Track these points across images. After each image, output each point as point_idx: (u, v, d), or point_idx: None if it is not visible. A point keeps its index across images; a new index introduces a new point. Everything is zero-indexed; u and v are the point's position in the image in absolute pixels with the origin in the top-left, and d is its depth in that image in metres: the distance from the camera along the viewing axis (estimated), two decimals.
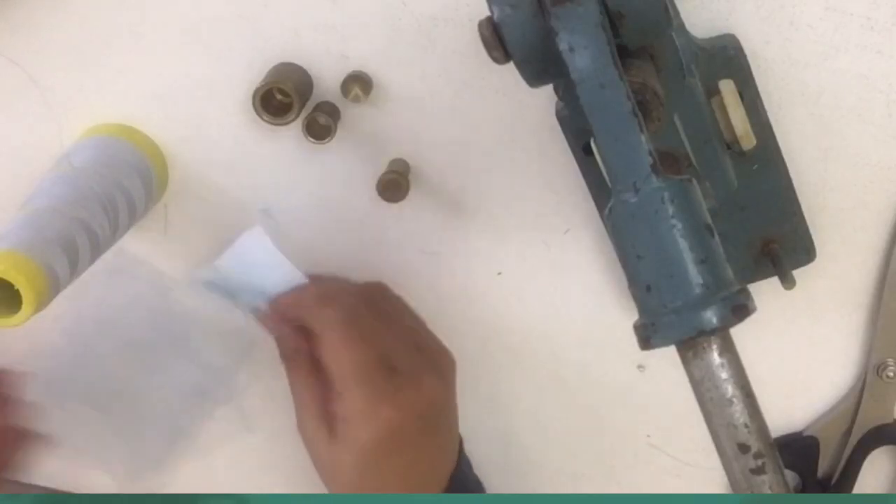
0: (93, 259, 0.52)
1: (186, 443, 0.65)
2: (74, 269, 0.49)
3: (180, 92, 0.57)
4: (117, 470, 0.65)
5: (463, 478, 0.56)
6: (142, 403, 0.64)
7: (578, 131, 0.55)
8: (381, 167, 0.57)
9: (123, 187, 0.54)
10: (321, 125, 0.55)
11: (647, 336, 0.39)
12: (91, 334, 0.62)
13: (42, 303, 0.46)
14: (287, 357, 0.55)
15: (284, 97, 0.54)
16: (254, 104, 0.54)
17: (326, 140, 0.55)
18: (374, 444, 0.51)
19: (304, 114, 0.55)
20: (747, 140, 0.53)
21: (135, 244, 0.60)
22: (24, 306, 0.45)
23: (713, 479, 0.65)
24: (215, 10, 0.55)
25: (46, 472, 0.66)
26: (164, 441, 0.65)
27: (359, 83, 0.55)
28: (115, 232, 0.54)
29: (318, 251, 0.61)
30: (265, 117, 0.54)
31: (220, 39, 0.56)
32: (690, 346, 0.38)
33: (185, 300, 0.62)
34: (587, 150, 0.55)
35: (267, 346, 0.63)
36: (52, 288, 0.47)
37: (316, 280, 0.55)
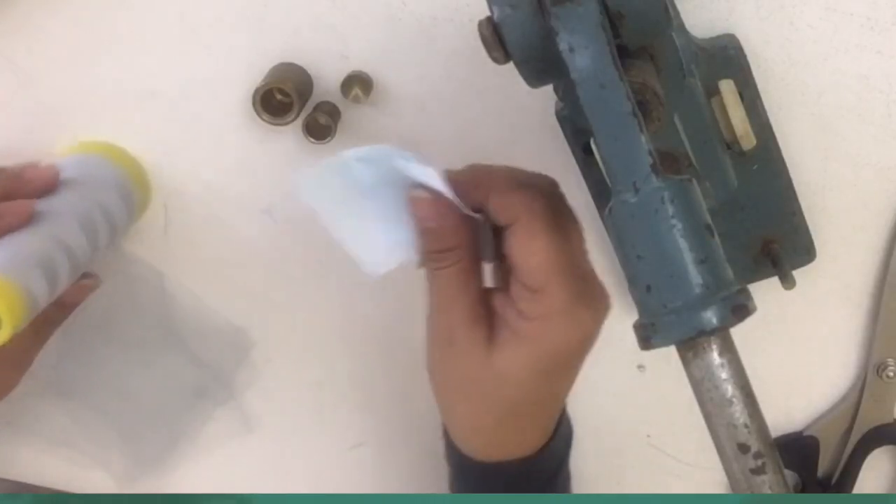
0: (71, 278, 0.52)
1: (186, 443, 0.65)
2: (53, 289, 0.50)
3: (180, 92, 0.57)
4: (117, 470, 0.66)
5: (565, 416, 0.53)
6: (142, 403, 0.64)
7: (578, 131, 0.55)
8: None
9: (103, 206, 0.54)
10: (321, 125, 0.55)
11: (647, 336, 0.39)
12: (90, 334, 0.62)
13: (20, 324, 0.46)
14: (440, 253, 0.46)
15: (284, 97, 0.54)
16: (254, 104, 0.54)
17: (326, 140, 0.55)
18: (567, 348, 0.45)
19: (304, 114, 0.55)
20: (747, 140, 0.53)
21: (135, 244, 0.60)
22: (1, 328, 0.45)
23: (713, 479, 0.65)
24: (216, 10, 0.55)
25: (46, 472, 0.66)
26: (164, 441, 0.65)
27: (359, 83, 0.55)
28: (95, 250, 0.54)
29: (318, 253, 0.61)
30: (265, 117, 0.54)
31: (220, 39, 0.56)
32: (690, 346, 0.38)
33: (185, 300, 0.62)
34: (587, 150, 0.55)
35: (267, 346, 0.63)
36: (29, 309, 0.47)
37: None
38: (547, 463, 0.51)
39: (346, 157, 0.46)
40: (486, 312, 0.47)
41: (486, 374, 0.46)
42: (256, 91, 0.54)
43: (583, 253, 0.48)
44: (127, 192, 0.57)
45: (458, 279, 0.46)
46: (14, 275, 0.46)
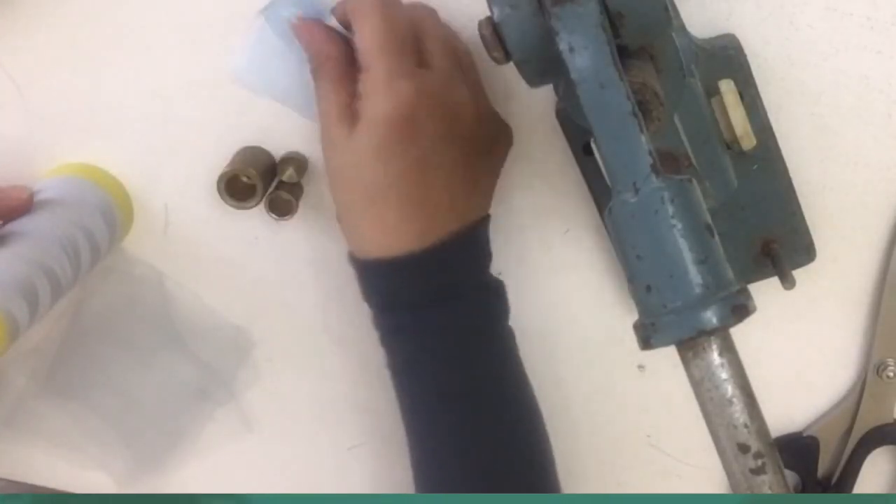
0: (53, 301, 0.52)
1: (186, 443, 0.65)
2: (35, 313, 0.50)
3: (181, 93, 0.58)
4: (117, 470, 0.66)
5: (477, 241, 0.54)
6: (142, 403, 0.64)
7: (578, 131, 0.55)
8: None
9: (86, 228, 0.54)
10: (283, 201, 0.57)
11: (647, 336, 0.39)
12: (90, 334, 0.62)
13: (1, 349, 0.47)
14: (318, 67, 0.52)
15: (249, 180, 0.56)
16: (219, 189, 0.56)
17: (288, 217, 0.57)
18: (391, 120, 0.48)
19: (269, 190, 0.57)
20: (747, 140, 0.53)
21: (135, 244, 0.60)
22: None
23: (713, 479, 0.65)
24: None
25: (46, 472, 0.66)
26: (164, 441, 0.65)
27: (293, 164, 0.57)
28: (77, 273, 0.54)
29: (318, 252, 0.61)
30: (230, 202, 0.56)
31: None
32: (690, 346, 0.38)
33: (185, 300, 0.62)
34: (587, 150, 0.55)
35: (267, 346, 0.63)
36: (10, 334, 0.48)
37: None
38: (447, 268, 0.51)
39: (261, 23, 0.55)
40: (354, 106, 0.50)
41: (348, 162, 0.50)
42: (221, 177, 0.56)
43: (439, 48, 0.51)
44: (110, 214, 0.57)
45: (334, 86, 0.51)
46: None
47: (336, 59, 0.51)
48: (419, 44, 0.51)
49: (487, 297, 0.54)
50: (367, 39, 0.49)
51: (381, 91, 0.48)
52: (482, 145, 0.53)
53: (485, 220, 0.54)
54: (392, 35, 0.49)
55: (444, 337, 0.52)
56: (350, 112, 0.50)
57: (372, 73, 0.49)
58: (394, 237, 0.50)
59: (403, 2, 0.52)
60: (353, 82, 0.50)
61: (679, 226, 0.38)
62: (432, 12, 0.54)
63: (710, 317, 0.37)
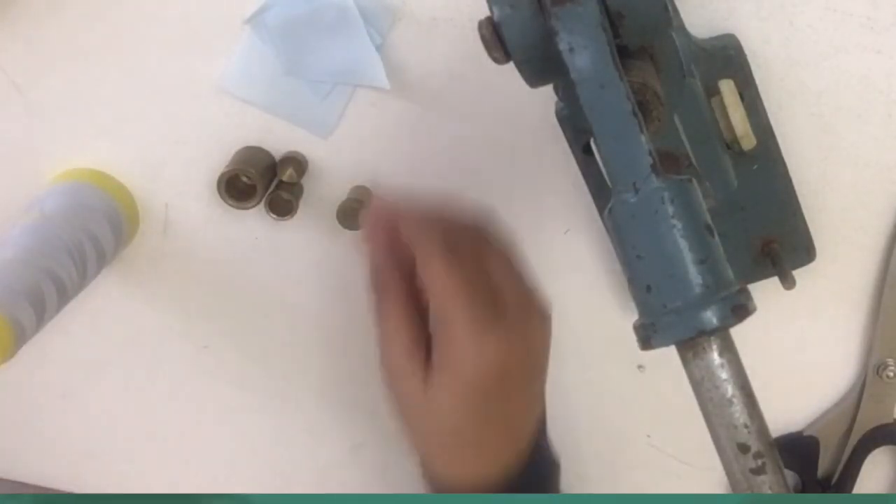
0: (60, 307, 0.53)
1: (186, 443, 0.65)
2: (41, 319, 0.51)
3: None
4: (118, 469, 0.65)
5: (544, 446, 0.51)
6: (141, 402, 0.64)
7: (578, 131, 0.55)
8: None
9: (92, 234, 0.55)
10: (283, 201, 0.57)
11: (647, 336, 0.39)
12: (91, 333, 0.62)
13: (7, 355, 0.47)
14: (378, 287, 0.48)
15: (249, 180, 0.56)
16: (219, 189, 0.56)
17: (288, 217, 0.57)
18: (477, 381, 0.45)
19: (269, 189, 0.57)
20: (747, 140, 0.53)
21: (135, 244, 0.60)
22: None
23: (713, 479, 0.65)
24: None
25: (46, 472, 0.66)
26: (164, 441, 0.65)
27: (293, 164, 0.57)
28: (84, 279, 0.55)
29: (319, 253, 0.61)
30: (229, 202, 0.56)
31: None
32: (690, 346, 0.38)
33: (185, 299, 0.62)
34: (587, 150, 0.55)
35: (267, 346, 0.63)
36: (17, 340, 0.48)
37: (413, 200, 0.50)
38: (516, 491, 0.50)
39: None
40: (427, 344, 0.47)
41: (421, 404, 0.47)
42: (221, 177, 0.56)
43: (507, 276, 0.48)
44: (116, 220, 0.57)
45: (399, 311, 0.47)
46: (2, 307, 0.47)
47: (401, 282, 0.48)
48: (492, 270, 0.48)
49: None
50: (442, 288, 0.45)
51: (465, 351, 0.45)
52: (547, 357, 0.50)
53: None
54: (471, 282, 0.46)
55: None
56: (420, 348, 0.47)
57: (452, 330, 0.45)
58: (482, 472, 0.48)
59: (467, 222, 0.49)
60: (418, 312, 0.48)
61: (679, 226, 0.38)
62: (490, 231, 0.49)
63: (710, 317, 0.37)
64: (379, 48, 0.54)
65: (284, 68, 0.55)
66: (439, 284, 0.45)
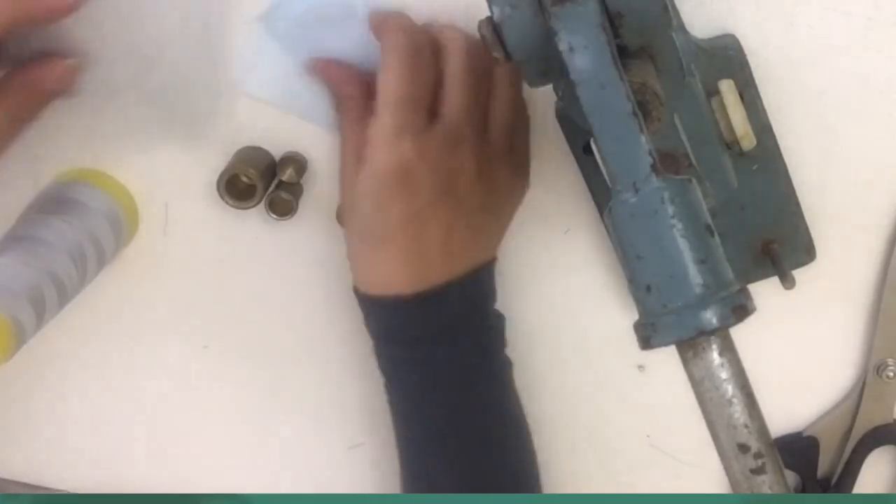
0: (60, 307, 0.53)
1: (186, 442, 0.65)
2: (41, 320, 0.51)
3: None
4: (118, 469, 0.66)
5: (477, 284, 0.54)
6: (140, 402, 0.64)
7: (578, 131, 0.55)
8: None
9: (93, 235, 0.55)
10: (283, 201, 0.57)
11: (647, 336, 0.39)
12: (91, 332, 0.62)
13: (7, 355, 0.48)
14: (340, 103, 0.54)
15: (249, 180, 0.56)
16: (218, 189, 0.56)
17: (288, 216, 0.57)
18: (385, 174, 0.49)
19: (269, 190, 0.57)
20: (747, 140, 0.53)
21: (135, 244, 0.60)
22: None
23: (713, 479, 0.65)
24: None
25: (46, 472, 0.66)
26: (164, 441, 0.65)
27: (293, 164, 0.57)
28: (83, 280, 0.55)
29: (318, 253, 0.61)
30: (229, 201, 0.56)
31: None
32: (690, 346, 0.38)
33: (185, 299, 0.61)
34: (587, 150, 0.55)
35: (267, 346, 0.63)
36: (17, 340, 0.48)
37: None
38: (433, 313, 0.53)
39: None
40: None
41: (349, 193, 0.52)
42: (221, 177, 0.56)
43: (457, 93, 0.51)
44: (116, 221, 0.57)
45: (354, 124, 0.53)
46: (3, 307, 0.48)
47: (356, 99, 0.53)
48: (438, 89, 0.51)
49: (482, 335, 0.55)
50: (385, 89, 0.50)
51: (383, 144, 0.49)
52: (486, 199, 0.53)
53: (487, 264, 0.55)
54: (410, 89, 0.50)
55: (438, 375, 0.54)
56: (361, 154, 0.51)
57: (379, 124, 0.50)
58: (390, 280, 0.52)
59: (449, 29, 0.53)
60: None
61: (679, 226, 0.38)
62: (465, 47, 0.52)
63: (710, 317, 0.37)
64: None
65: (298, 65, 0.55)
66: (381, 84, 0.50)
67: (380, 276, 0.53)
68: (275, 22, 0.55)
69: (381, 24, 0.52)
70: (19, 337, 0.48)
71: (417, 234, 0.51)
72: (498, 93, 0.53)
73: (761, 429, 0.38)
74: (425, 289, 0.52)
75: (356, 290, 0.55)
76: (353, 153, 0.52)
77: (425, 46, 0.51)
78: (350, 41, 0.55)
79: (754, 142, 0.53)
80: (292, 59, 0.55)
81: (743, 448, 0.38)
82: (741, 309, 0.38)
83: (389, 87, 0.50)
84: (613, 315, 0.61)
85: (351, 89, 0.54)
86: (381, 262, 0.52)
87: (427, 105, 0.51)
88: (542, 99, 0.56)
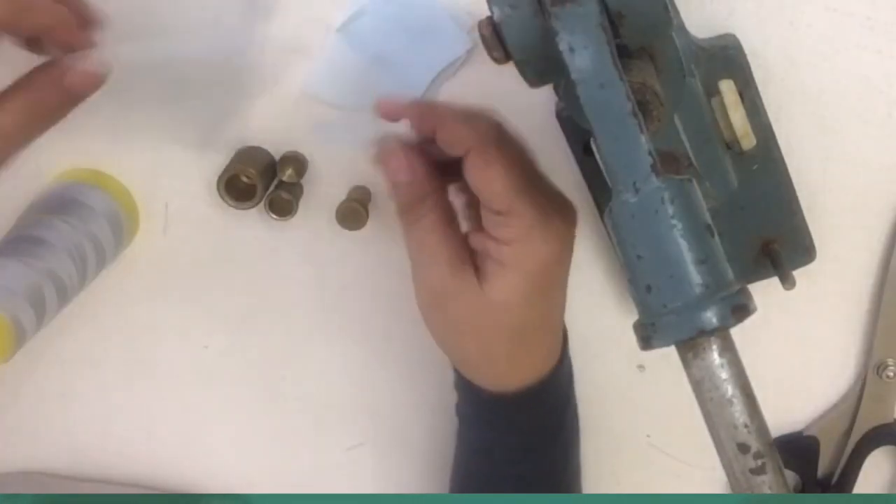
0: (60, 307, 0.53)
1: (187, 442, 0.65)
2: (41, 320, 0.51)
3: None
4: (118, 469, 0.66)
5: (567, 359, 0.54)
6: (140, 402, 0.64)
7: (578, 131, 0.55)
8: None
9: (93, 236, 0.55)
10: (283, 201, 0.57)
11: (647, 336, 0.39)
12: (92, 331, 0.62)
13: (7, 355, 0.48)
14: (411, 206, 0.48)
15: (249, 180, 0.56)
16: (218, 189, 0.56)
17: (288, 217, 0.57)
18: (549, 259, 0.46)
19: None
20: (747, 140, 0.53)
21: (135, 244, 0.60)
22: None
23: (713, 479, 0.65)
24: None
25: (46, 471, 0.66)
26: (164, 440, 0.65)
27: (293, 164, 0.57)
28: (84, 280, 0.55)
29: (317, 253, 0.61)
30: (229, 202, 0.56)
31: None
32: (690, 346, 0.38)
33: (185, 299, 0.61)
34: (587, 150, 0.55)
35: (267, 346, 0.63)
36: (17, 340, 0.48)
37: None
38: (559, 385, 0.53)
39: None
40: (468, 253, 0.48)
41: (484, 310, 0.47)
42: (221, 177, 0.56)
43: (537, 170, 0.49)
44: (116, 221, 0.57)
45: (437, 228, 0.48)
46: (4, 307, 0.48)
47: (439, 194, 0.48)
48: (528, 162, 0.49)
49: (564, 399, 0.55)
50: (502, 181, 0.45)
51: (539, 235, 0.46)
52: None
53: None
54: (524, 172, 0.46)
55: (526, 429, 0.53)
56: (467, 255, 0.48)
57: (519, 218, 0.46)
58: (535, 369, 0.51)
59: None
60: (454, 219, 0.49)
61: (679, 226, 0.38)
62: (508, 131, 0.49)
63: (710, 317, 0.37)
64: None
65: (376, 73, 0.55)
66: (494, 180, 0.45)
67: (524, 370, 0.50)
68: (352, 33, 0.55)
69: (431, 111, 0.48)
70: (19, 337, 0.48)
71: (559, 315, 0.51)
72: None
73: (761, 429, 0.38)
74: (554, 364, 0.52)
75: (482, 391, 0.51)
76: (454, 264, 0.47)
77: (503, 130, 0.48)
78: (430, 46, 0.55)
79: (754, 142, 0.53)
80: (371, 66, 0.55)
81: (743, 448, 0.38)
82: (741, 309, 0.38)
83: (507, 174, 0.45)
84: (613, 315, 0.61)
85: (430, 187, 0.47)
86: (529, 354, 0.50)
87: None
88: (542, 99, 0.56)
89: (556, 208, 0.48)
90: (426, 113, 0.48)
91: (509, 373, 0.50)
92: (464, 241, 0.49)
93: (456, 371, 0.53)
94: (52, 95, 0.44)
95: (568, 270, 0.50)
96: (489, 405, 0.51)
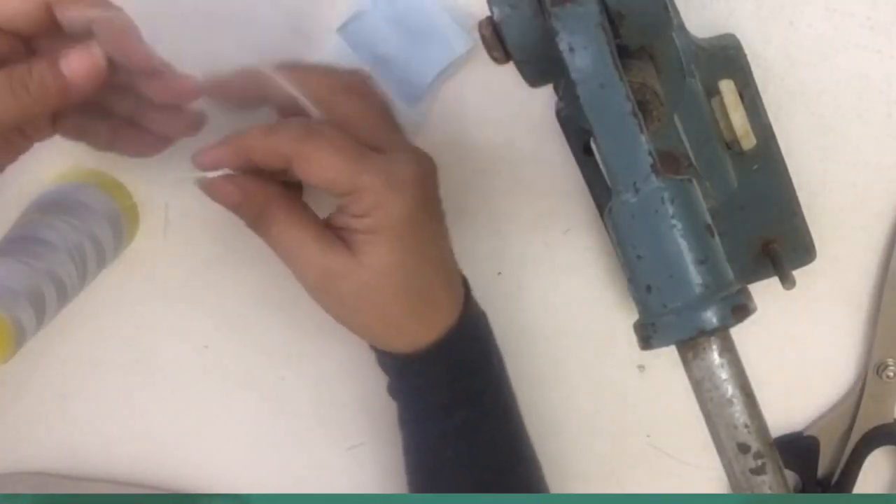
0: (60, 307, 0.53)
1: (187, 442, 0.65)
2: (41, 320, 0.51)
3: None
4: (118, 469, 0.66)
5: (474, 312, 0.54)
6: (140, 402, 0.64)
7: (578, 131, 0.55)
8: None
9: (93, 236, 0.55)
10: None
11: (647, 336, 0.39)
12: (91, 331, 0.62)
13: (7, 355, 0.48)
14: (258, 218, 0.50)
15: None
16: None
17: None
18: (408, 215, 0.48)
19: None
20: (747, 140, 0.53)
21: (135, 244, 0.60)
22: None
23: (713, 479, 0.65)
24: None
25: (46, 471, 0.66)
26: (164, 441, 0.65)
27: None
28: (84, 280, 0.55)
29: None
30: None
31: None
32: (690, 346, 0.38)
33: (185, 299, 0.61)
34: (587, 150, 0.55)
35: (266, 346, 0.63)
36: (17, 340, 0.48)
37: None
38: (471, 330, 0.53)
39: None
40: (333, 233, 0.49)
41: (367, 280, 0.49)
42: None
43: (380, 119, 0.50)
44: (116, 221, 0.57)
45: (292, 224, 0.49)
46: (4, 307, 0.48)
47: (281, 194, 0.50)
48: (354, 130, 0.49)
49: (484, 345, 0.55)
50: (328, 174, 0.47)
51: (391, 200, 0.47)
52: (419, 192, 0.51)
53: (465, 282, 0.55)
54: (339, 150, 0.47)
55: (470, 408, 0.54)
56: (333, 238, 0.49)
57: (362, 196, 0.47)
58: (441, 319, 0.51)
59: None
60: (307, 210, 0.50)
61: (679, 226, 0.38)
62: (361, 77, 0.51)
63: (710, 317, 0.37)
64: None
65: (376, 73, 0.55)
66: (330, 170, 0.47)
67: (430, 323, 0.51)
68: (353, 32, 0.55)
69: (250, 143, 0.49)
70: (19, 337, 0.48)
71: (445, 258, 0.51)
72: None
73: (761, 429, 0.38)
74: (458, 314, 0.52)
75: (396, 357, 0.52)
76: (321, 246, 0.49)
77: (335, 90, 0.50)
78: (431, 47, 0.55)
79: (754, 142, 0.53)
80: (371, 68, 0.55)
81: (743, 448, 0.38)
82: (741, 309, 0.38)
83: (334, 167, 0.47)
84: (613, 315, 0.61)
85: (268, 196, 0.49)
86: (430, 305, 0.51)
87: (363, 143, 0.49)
88: (542, 99, 0.56)
89: (405, 159, 0.49)
90: (237, 149, 0.49)
91: (417, 330, 0.51)
92: (324, 224, 0.50)
93: (372, 348, 0.54)
94: (48, 79, 0.45)
95: (437, 216, 0.51)
96: (409, 367, 0.52)
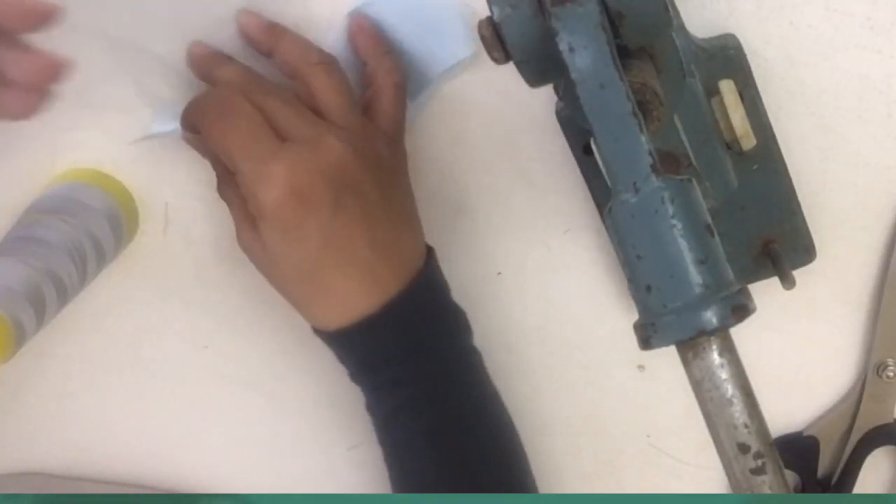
0: (60, 307, 0.53)
1: (187, 442, 0.65)
2: (41, 320, 0.51)
3: None
4: (118, 469, 0.66)
5: (432, 283, 0.54)
6: (141, 403, 0.64)
7: (578, 131, 0.55)
8: None
9: (93, 235, 0.55)
10: None
11: (647, 336, 0.39)
12: (91, 331, 0.62)
13: (7, 355, 0.48)
14: (219, 180, 0.53)
15: None
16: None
17: None
18: (278, 204, 0.48)
19: None
20: (747, 140, 0.53)
21: (135, 244, 0.60)
22: None
23: (713, 479, 0.65)
24: None
25: (46, 471, 0.66)
26: (164, 441, 0.65)
27: None
28: (84, 280, 0.55)
29: None
30: None
31: None
32: (690, 346, 0.38)
33: (184, 296, 0.61)
34: (587, 150, 0.55)
35: (267, 346, 0.63)
36: (17, 340, 0.48)
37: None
38: (402, 318, 0.52)
39: None
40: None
41: (260, 254, 0.51)
42: None
43: (293, 113, 0.50)
44: (116, 221, 0.57)
45: (231, 197, 0.52)
46: (4, 307, 0.48)
47: (224, 166, 0.51)
48: (272, 114, 0.50)
49: (455, 334, 0.55)
50: (220, 147, 0.49)
51: (257, 186, 0.48)
52: (384, 178, 0.52)
53: (429, 256, 0.54)
54: (240, 130, 0.49)
55: (421, 384, 0.54)
56: (249, 215, 0.51)
57: (241, 175, 0.49)
58: (346, 307, 0.51)
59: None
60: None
61: (679, 226, 0.38)
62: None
63: (710, 317, 0.37)
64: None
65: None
66: (217, 142, 0.49)
67: (334, 309, 0.52)
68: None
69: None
70: (19, 337, 0.48)
71: (343, 248, 0.50)
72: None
73: (761, 429, 0.38)
74: (384, 301, 0.51)
75: (316, 332, 0.54)
76: (243, 220, 0.51)
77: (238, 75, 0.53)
78: (435, 42, 0.55)
79: (754, 142, 0.53)
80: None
81: (743, 448, 0.38)
82: (741, 309, 0.38)
83: (222, 140, 0.49)
84: (613, 315, 0.61)
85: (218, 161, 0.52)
86: (327, 294, 0.51)
87: (269, 127, 0.50)
88: (542, 99, 0.56)
89: (309, 148, 0.49)
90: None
91: (323, 312, 0.52)
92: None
93: (321, 338, 0.54)
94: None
95: (342, 206, 0.49)
96: (341, 342, 0.53)
